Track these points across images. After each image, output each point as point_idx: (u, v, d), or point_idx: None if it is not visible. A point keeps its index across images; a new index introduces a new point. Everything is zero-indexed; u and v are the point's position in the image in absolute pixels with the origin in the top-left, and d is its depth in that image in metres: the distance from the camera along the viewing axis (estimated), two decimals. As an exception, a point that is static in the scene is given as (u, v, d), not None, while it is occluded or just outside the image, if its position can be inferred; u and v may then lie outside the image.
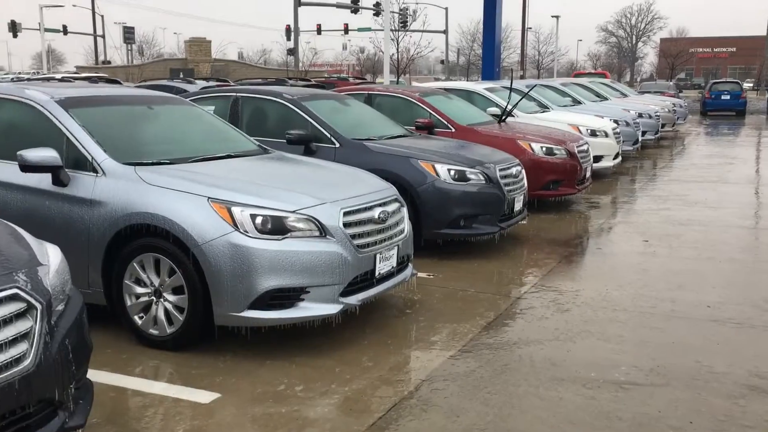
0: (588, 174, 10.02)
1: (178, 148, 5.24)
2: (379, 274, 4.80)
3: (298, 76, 38.90)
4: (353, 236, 4.55)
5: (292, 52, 57.45)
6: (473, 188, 6.96)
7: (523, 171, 7.79)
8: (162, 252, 4.37)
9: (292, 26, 52.83)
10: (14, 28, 50.35)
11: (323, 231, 4.42)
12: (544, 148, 9.28)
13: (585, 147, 9.99)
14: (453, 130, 9.48)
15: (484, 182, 7.04)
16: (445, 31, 64.10)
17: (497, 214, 7.13)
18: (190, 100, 7.99)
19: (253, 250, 4.20)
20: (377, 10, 58.56)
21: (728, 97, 31.95)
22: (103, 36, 66.36)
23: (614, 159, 12.45)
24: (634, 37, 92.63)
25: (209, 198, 4.33)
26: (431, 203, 6.82)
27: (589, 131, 11.96)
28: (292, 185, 4.74)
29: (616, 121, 13.87)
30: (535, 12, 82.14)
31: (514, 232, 8.05)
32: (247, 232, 4.24)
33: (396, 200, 5.17)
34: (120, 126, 5.10)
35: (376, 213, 4.78)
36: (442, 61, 72.66)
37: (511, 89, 10.58)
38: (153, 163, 4.74)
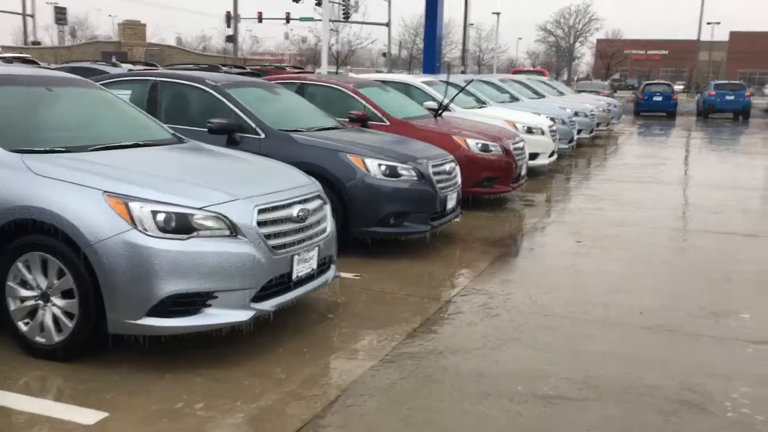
0: (523, 172, 9.86)
1: (78, 135, 4.75)
2: (297, 276, 4.44)
3: (236, 63, 37.96)
4: (268, 236, 4.17)
5: (231, 39, 56.33)
6: (404, 185, 6.64)
7: (458, 168, 7.52)
8: (50, 251, 3.90)
9: (232, 13, 51.79)
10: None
11: (234, 230, 4.02)
12: (479, 145, 9.06)
13: (521, 144, 9.82)
14: (388, 123, 9.14)
15: (415, 179, 6.73)
16: (388, 24, 63.71)
17: (429, 212, 6.85)
18: (105, 84, 7.45)
19: (153, 251, 3.78)
20: (318, 0, 57.87)
21: (660, 98, 32.67)
22: (32, 15, 63.60)
23: (550, 157, 12.37)
24: (571, 37, 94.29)
25: (105, 191, 3.87)
26: (360, 200, 6.48)
27: (525, 128, 11.82)
28: (202, 179, 4.32)
29: (552, 119, 13.80)
30: (477, 8, 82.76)
31: (447, 231, 7.79)
32: (146, 230, 3.81)
33: (318, 197, 4.81)
34: (10, 109, 4.56)
35: (294, 211, 4.41)
36: (384, 54, 72.42)
37: (447, 83, 10.33)
38: (45, 151, 4.24)
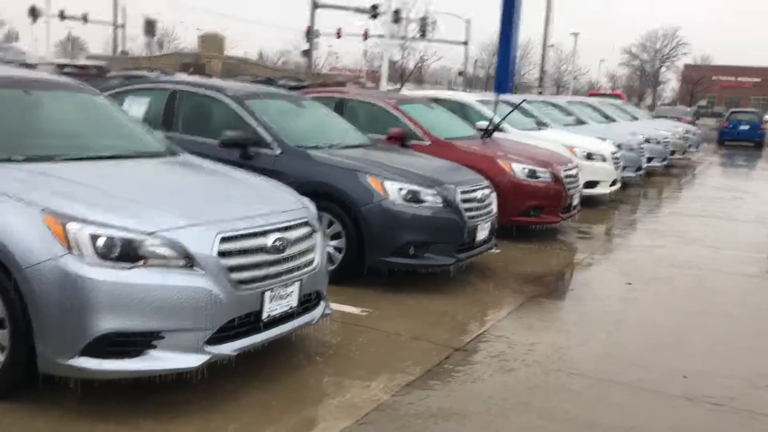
0: (575, 201, 9.02)
1: (48, 144, 4.31)
2: (269, 316, 3.85)
3: (307, 78, 38.19)
4: (232, 269, 3.60)
5: (306, 53, 56.95)
6: (427, 212, 5.98)
7: (493, 195, 6.81)
8: (-18, 274, 3.44)
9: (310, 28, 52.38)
10: (33, 13, 50.25)
11: (190, 261, 3.48)
12: (526, 170, 8.30)
13: (574, 171, 8.99)
14: (428, 143, 8.53)
15: (440, 205, 6.06)
16: (466, 43, 63.17)
17: (455, 244, 6.15)
18: (125, 92, 7.14)
19: (88, 282, 3.26)
20: (396, 18, 57.91)
21: (747, 127, 30.78)
22: (123, 26, 66.18)
23: (611, 186, 11.42)
24: (657, 61, 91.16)
25: (43, 209, 3.39)
26: (376, 226, 5.86)
27: (585, 154, 10.95)
28: (167, 199, 3.80)
29: (618, 145, 12.85)
30: (559, 29, 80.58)
31: (481, 264, 7.06)
32: (82, 256, 3.30)
33: (305, 224, 4.21)
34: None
35: (269, 240, 3.83)
36: (460, 73, 71.76)
37: (497, 103, 9.62)
38: (-4, 160, 3.82)
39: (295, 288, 4.00)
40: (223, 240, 3.60)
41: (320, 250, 4.31)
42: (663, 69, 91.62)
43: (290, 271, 3.95)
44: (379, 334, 4.96)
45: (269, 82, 16.22)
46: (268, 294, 3.79)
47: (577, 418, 3.84)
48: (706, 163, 21.81)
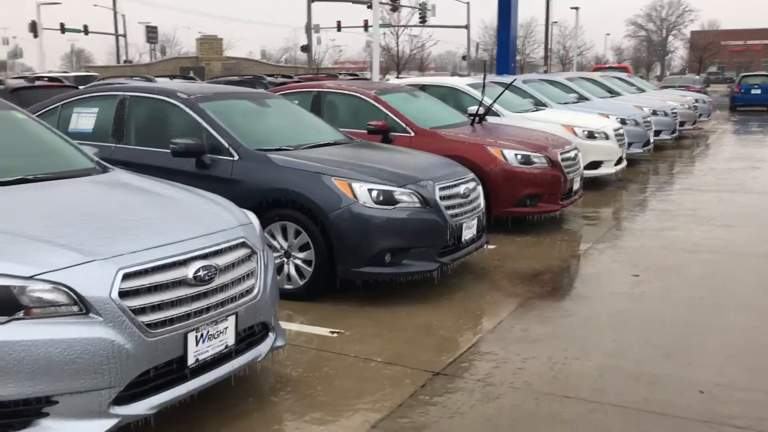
0: (576, 186, 8.34)
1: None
2: (197, 361, 3.24)
3: (307, 72, 37.60)
4: (140, 310, 2.99)
5: (305, 48, 56.26)
6: (402, 213, 5.34)
7: (479, 188, 6.15)
8: None
9: (308, 23, 51.75)
10: (34, 28, 49.78)
11: (84, 306, 2.87)
12: (519, 156, 7.62)
13: (572, 153, 8.29)
14: (412, 134, 7.90)
15: (417, 205, 5.42)
16: (467, 26, 62.18)
17: (437, 246, 5.51)
18: (71, 101, 6.56)
19: (-47, 343, 2.67)
20: (394, 5, 57.15)
21: (759, 91, 29.61)
22: (124, 35, 65.93)
23: (617, 164, 10.71)
24: (664, 30, 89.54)
25: None
26: (347, 234, 5.23)
27: (585, 133, 10.25)
28: (61, 231, 3.16)
29: (623, 121, 12.14)
30: (561, 5, 78.98)
31: (473, 262, 6.42)
32: (-54, 312, 2.71)
33: (243, 245, 3.59)
34: None
35: (190, 270, 3.21)
36: (463, 57, 70.71)
37: (484, 85, 8.93)
38: None
39: (229, 323, 3.39)
40: (126, 277, 2.98)
41: (264, 274, 3.68)
42: (670, 38, 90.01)
43: (221, 304, 3.34)
44: (348, 361, 4.34)
45: (257, 79, 15.59)
46: (192, 335, 3.18)
47: (572, 459, 3.21)
48: (718, 131, 20.94)
